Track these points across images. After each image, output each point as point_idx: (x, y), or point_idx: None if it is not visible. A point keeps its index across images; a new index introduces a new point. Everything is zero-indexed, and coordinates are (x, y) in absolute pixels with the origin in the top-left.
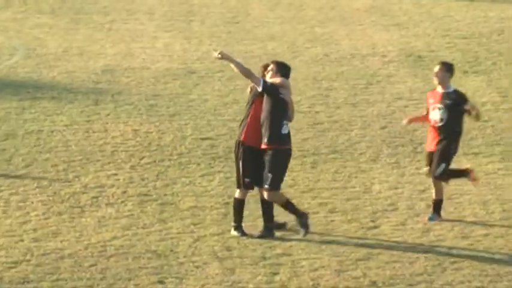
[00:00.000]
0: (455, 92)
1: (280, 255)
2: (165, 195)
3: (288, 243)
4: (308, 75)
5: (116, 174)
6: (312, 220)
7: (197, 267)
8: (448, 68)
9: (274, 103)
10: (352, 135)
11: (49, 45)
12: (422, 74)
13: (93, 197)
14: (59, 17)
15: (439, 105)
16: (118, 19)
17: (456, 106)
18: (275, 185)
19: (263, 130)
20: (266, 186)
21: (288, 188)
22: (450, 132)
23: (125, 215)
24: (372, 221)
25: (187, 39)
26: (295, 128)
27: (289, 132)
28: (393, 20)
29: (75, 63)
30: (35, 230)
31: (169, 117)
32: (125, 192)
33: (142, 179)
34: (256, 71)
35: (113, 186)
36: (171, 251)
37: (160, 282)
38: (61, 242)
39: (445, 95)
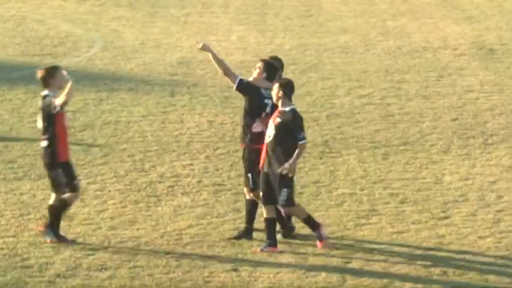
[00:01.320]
0: (291, 111)
1: (352, 244)
2: (239, 185)
3: (361, 233)
4: (380, 68)
5: (191, 164)
6: (383, 210)
7: (270, 255)
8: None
9: (249, 103)
10: (423, 127)
11: (126, 38)
12: (494, 67)
13: (169, 187)
14: (136, 10)
15: (272, 122)
16: (194, 12)
17: (286, 127)
18: (256, 185)
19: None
20: (250, 186)
21: (360, 178)
22: (276, 153)
23: (200, 204)
24: (443, 212)
25: (261, 32)
26: (367, 120)
27: (261, 131)
28: (464, 14)
29: (151, 56)
30: (112, 218)
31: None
32: (200, 181)
33: (217, 169)
34: (332, 62)
35: (188, 176)
36: (245, 239)
37: (235, 270)
38: (137, 230)
39: (280, 113)
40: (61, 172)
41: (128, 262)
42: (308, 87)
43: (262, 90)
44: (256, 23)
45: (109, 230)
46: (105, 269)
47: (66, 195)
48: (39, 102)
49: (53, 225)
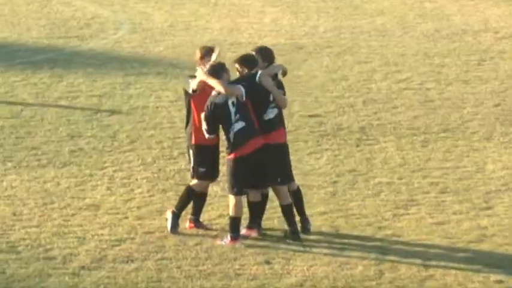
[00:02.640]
0: None
1: (389, 236)
2: None
3: (399, 224)
4: (419, 51)
5: (221, 152)
6: (422, 200)
7: (304, 247)
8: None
9: None
10: (464, 113)
11: (155, 20)
12: None
13: None
14: None
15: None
16: None
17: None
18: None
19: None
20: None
21: (398, 167)
22: None
23: None
24: (485, 202)
25: (294, 14)
26: (406, 105)
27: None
28: None
29: (181, 38)
30: (139, 207)
31: None
32: None
33: None
34: (369, 45)
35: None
36: (278, 230)
37: (267, 262)
38: (166, 220)
39: None
40: (192, 154)
41: (155, 254)
42: (344, 71)
43: None
44: (290, 4)
45: (136, 219)
46: (132, 260)
47: (194, 182)
48: None
49: (179, 211)
